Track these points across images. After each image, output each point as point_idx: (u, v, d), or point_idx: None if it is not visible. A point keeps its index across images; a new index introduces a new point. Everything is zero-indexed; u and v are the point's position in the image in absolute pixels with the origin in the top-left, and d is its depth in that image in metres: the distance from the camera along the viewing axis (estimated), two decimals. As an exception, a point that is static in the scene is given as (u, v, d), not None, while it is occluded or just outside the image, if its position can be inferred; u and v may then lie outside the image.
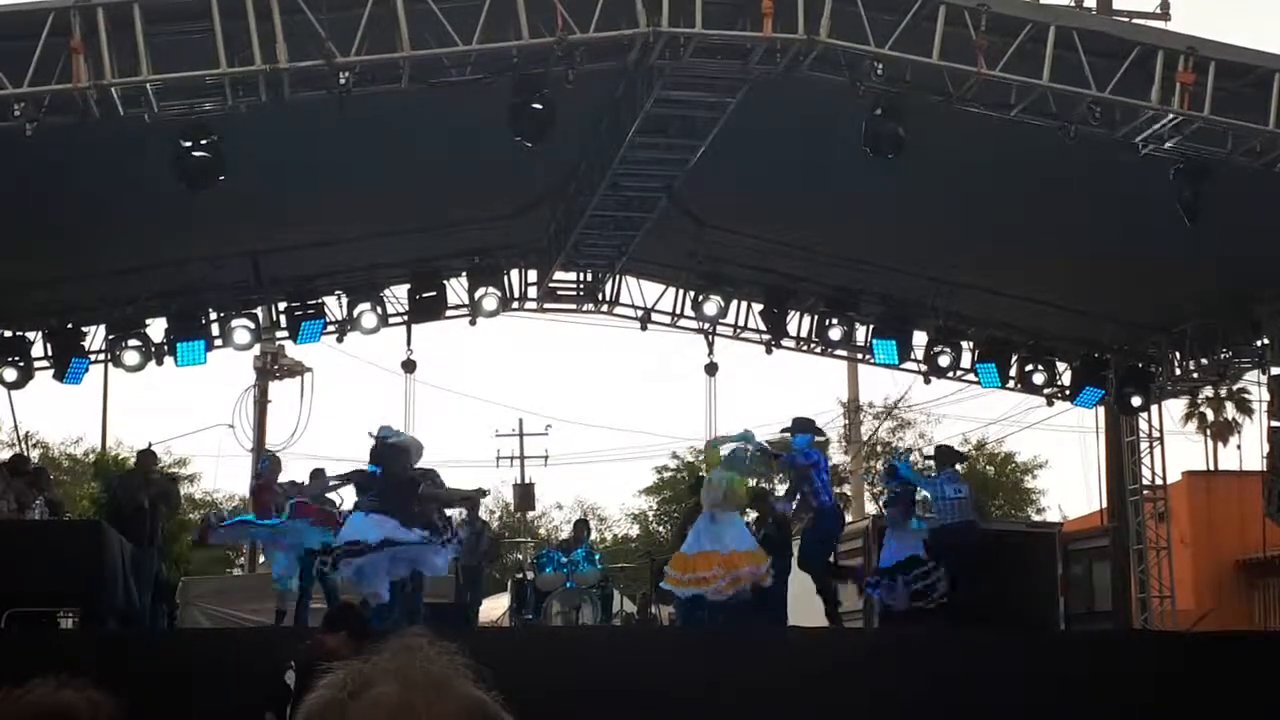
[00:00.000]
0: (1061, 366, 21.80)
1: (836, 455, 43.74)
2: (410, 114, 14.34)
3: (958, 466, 17.92)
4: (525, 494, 40.59)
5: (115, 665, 10.93)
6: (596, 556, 18.92)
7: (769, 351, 21.53)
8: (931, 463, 17.93)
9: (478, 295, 20.28)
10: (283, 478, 16.50)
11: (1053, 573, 18.78)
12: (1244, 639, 18.53)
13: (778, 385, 72.19)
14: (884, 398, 41.35)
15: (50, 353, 19.25)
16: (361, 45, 12.19)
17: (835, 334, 20.94)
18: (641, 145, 15.47)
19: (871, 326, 21.02)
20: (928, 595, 15.78)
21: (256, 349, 26.19)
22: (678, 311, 21.31)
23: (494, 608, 22.90)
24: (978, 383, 22.07)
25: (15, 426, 25.67)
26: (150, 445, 18.82)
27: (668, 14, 12.63)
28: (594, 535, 28.56)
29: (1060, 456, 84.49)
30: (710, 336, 21.47)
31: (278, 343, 26.19)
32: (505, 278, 20.66)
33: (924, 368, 21.46)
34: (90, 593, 14.93)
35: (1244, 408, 38.63)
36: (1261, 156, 13.93)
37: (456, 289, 20.43)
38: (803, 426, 16.74)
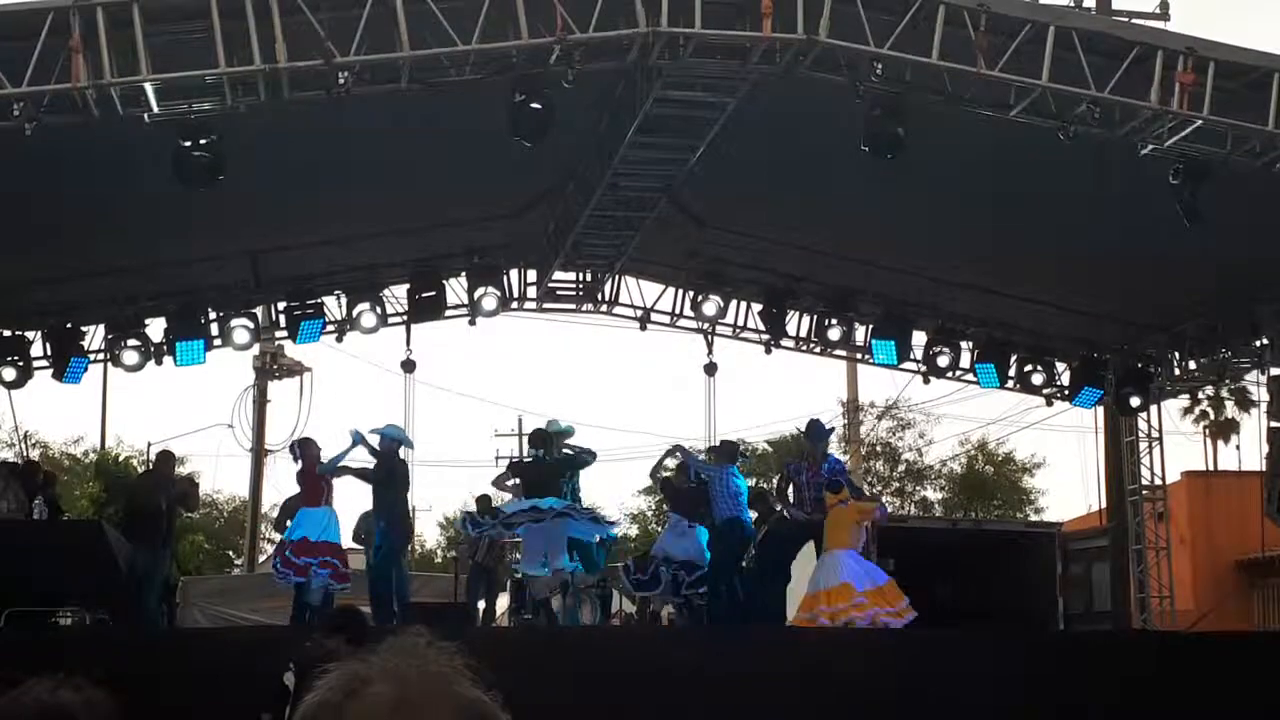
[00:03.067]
0: (1060, 367, 21.80)
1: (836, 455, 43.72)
2: (410, 114, 14.34)
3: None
4: (525, 494, 40.44)
5: (115, 665, 10.92)
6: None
7: (768, 351, 21.54)
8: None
9: (477, 295, 20.28)
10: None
11: (1052, 573, 18.77)
12: (1243, 639, 18.54)
13: (777, 385, 72.19)
14: (885, 398, 41.37)
15: (49, 352, 19.25)
16: (360, 45, 12.18)
17: (834, 334, 20.96)
18: (641, 145, 15.47)
19: (871, 326, 21.03)
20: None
21: (256, 349, 26.18)
22: (677, 311, 21.32)
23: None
24: (977, 383, 22.07)
25: (15, 426, 25.70)
26: (159, 447, 18.89)
27: (667, 14, 12.62)
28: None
29: (1059, 457, 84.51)
30: (709, 336, 21.48)
31: (277, 342, 26.19)
32: (505, 277, 20.67)
33: (923, 368, 21.48)
34: (88, 593, 14.93)
35: (1244, 405, 38.57)
36: (1261, 156, 13.92)
37: (456, 289, 20.43)
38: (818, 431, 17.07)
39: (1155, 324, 21.15)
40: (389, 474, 16.22)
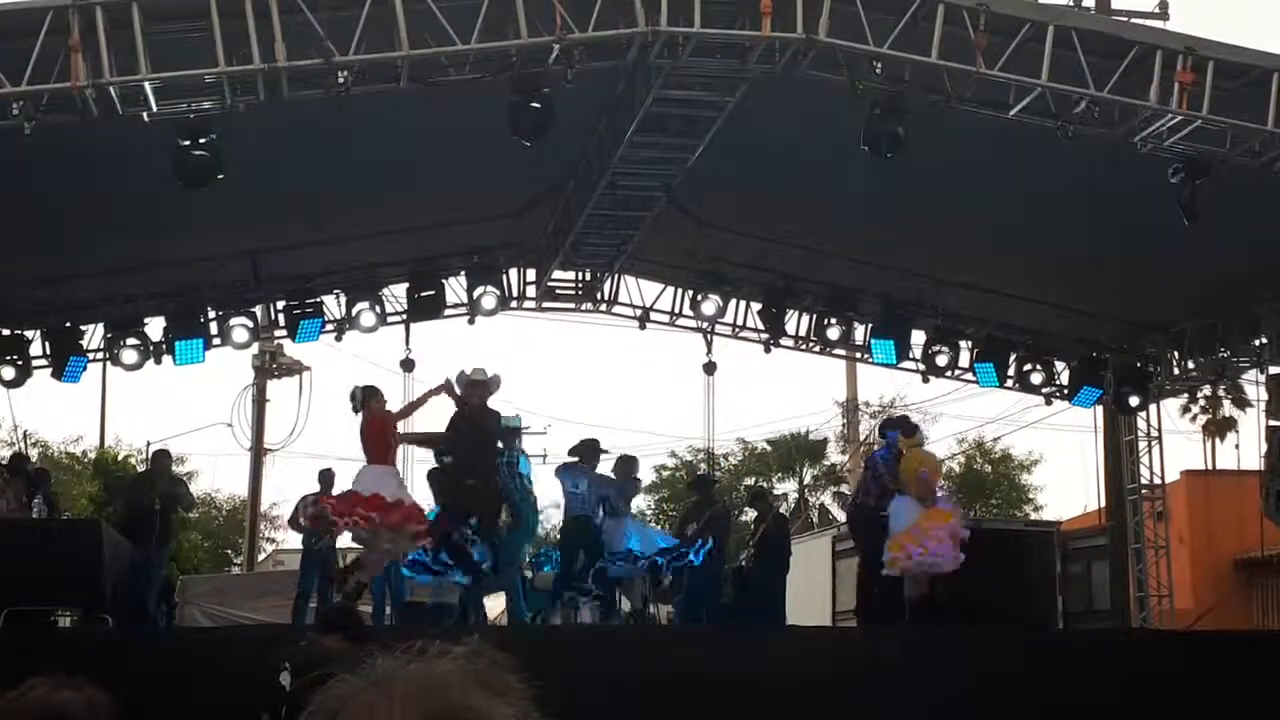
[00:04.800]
0: (1060, 366, 21.80)
1: (834, 455, 43.83)
2: (409, 113, 14.34)
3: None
4: (524, 493, 40.43)
5: (114, 665, 10.92)
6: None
7: (767, 350, 21.54)
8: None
9: (476, 294, 20.28)
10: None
11: (1051, 572, 18.78)
12: (1242, 638, 18.53)
13: (776, 385, 72.12)
14: (879, 396, 41.37)
15: (48, 351, 19.24)
16: (360, 44, 12.18)
17: (834, 333, 20.96)
18: (640, 144, 15.47)
19: (870, 326, 21.03)
20: None
21: (255, 348, 26.18)
22: (676, 310, 21.32)
23: (492, 607, 22.87)
24: (976, 382, 22.07)
25: (15, 425, 25.72)
26: (158, 446, 18.81)
27: (666, 13, 12.63)
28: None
29: (1058, 456, 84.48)
30: (709, 336, 21.48)
31: (276, 341, 26.20)
32: (504, 277, 20.67)
33: (922, 367, 21.47)
34: (88, 592, 14.93)
35: (1240, 404, 38.55)
36: (1260, 156, 13.93)
37: (455, 288, 20.44)
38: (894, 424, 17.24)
39: (1155, 323, 21.15)
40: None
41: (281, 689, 8.38)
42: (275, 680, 8.54)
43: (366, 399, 14.98)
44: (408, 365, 20.78)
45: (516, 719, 1.82)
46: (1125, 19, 17.33)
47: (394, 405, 15.73)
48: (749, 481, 39.90)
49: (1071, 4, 16.36)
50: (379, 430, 14.81)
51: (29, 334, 19.36)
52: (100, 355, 19.77)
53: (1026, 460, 43.46)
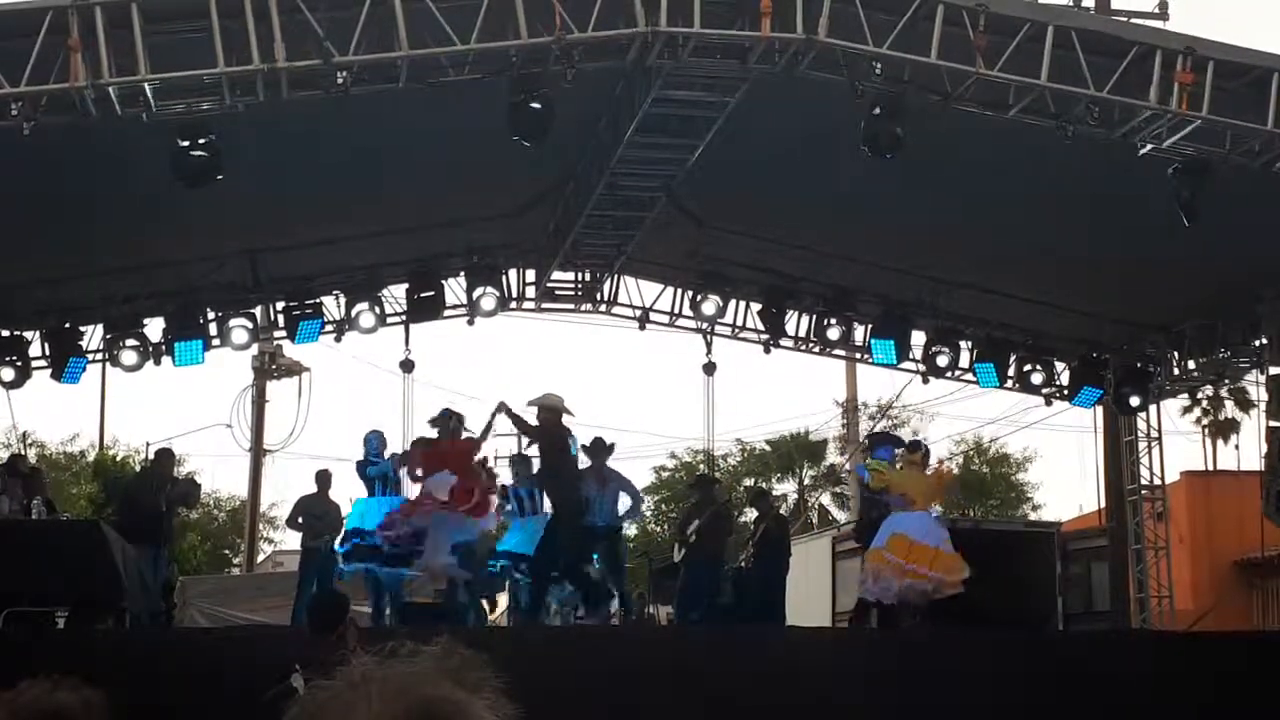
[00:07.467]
0: (1060, 366, 21.78)
1: (833, 455, 43.83)
2: (408, 113, 14.34)
3: None
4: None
5: (114, 665, 10.91)
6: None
7: (767, 351, 21.52)
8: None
9: (476, 295, 20.26)
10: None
11: (1051, 572, 18.77)
12: (1242, 639, 18.52)
13: (776, 385, 72.05)
14: (878, 398, 41.37)
15: (48, 352, 19.23)
16: (359, 45, 12.19)
17: (834, 334, 20.94)
18: (640, 145, 15.47)
19: (870, 326, 21.02)
20: None
21: (254, 349, 26.16)
22: (676, 311, 21.30)
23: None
24: (976, 383, 22.05)
25: (13, 426, 25.70)
26: (158, 447, 18.77)
27: (666, 13, 12.63)
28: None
29: (1058, 456, 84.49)
30: (708, 336, 21.47)
31: (275, 342, 26.17)
32: (503, 277, 20.65)
33: (922, 368, 21.46)
34: (87, 593, 14.91)
35: (1244, 405, 38.53)
36: (1260, 156, 13.93)
37: (455, 289, 20.42)
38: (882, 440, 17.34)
39: (1155, 324, 21.14)
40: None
41: (294, 691, 8.36)
42: (288, 684, 8.52)
43: (456, 425, 15.76)
44: (407, 366, 20.78)
45: (491, 711, 1.84)
46: (1125, 19, 17.33)
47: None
48: (748, 482, 39.91)
49: (1071, 4, 16.36)
50: (460, 454, 15.44)
51: (29, 335, 19.34)
52: (100, 356, 19.75)
53: (1020, 457, 43.52)
